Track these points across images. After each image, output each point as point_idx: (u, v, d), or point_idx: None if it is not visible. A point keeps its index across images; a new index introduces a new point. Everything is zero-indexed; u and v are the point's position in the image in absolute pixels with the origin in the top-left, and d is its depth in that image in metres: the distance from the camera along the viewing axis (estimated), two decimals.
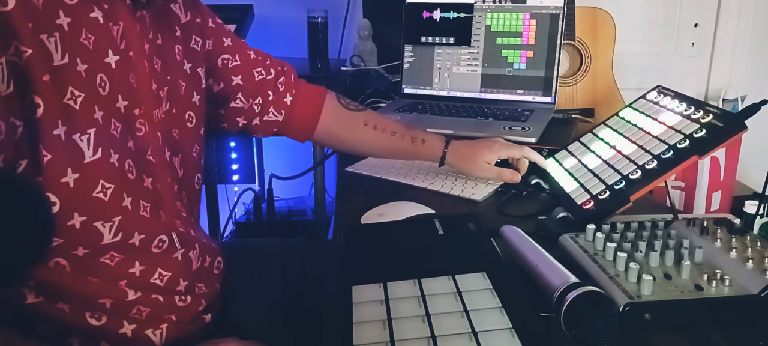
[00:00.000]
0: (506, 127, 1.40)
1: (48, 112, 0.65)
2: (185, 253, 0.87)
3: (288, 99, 1.16)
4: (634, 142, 1.05)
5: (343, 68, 2.15)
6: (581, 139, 1.20)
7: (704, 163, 0.97)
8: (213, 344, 0.86)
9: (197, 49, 0.98)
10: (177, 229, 0.85)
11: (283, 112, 1.16)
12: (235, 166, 2.47)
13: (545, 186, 1.16)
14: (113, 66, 0.74)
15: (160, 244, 0.82)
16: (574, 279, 0.70)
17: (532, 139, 1.33)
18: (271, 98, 1.14)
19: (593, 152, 1.12)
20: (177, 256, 0.85)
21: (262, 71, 1.12)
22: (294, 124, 1.18)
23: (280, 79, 1.15)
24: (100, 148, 0.71)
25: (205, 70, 1.00)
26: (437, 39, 1.72)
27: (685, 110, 1.02)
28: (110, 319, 0.78)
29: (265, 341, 0.91)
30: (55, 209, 0.67)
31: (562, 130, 1.46)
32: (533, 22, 1.61)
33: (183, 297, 0.86)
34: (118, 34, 0.76)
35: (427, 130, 1.33)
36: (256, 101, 1.12)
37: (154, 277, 0.81)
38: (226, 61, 1.06)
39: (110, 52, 0.74)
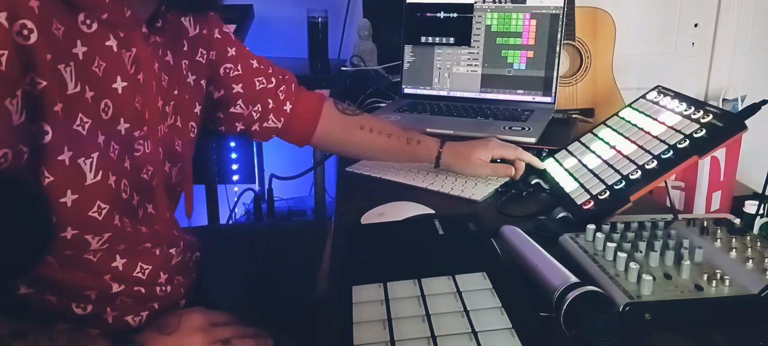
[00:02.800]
0: (506, 128, 1.39)
1: (56, 138, 0.66)
2: (166, 250, 0.90)
3: (288, 107, 1.17)
4: (634, 143, 1.05)
5: (343, 68, 2.15)
6: (581, 139, 1.20)
7: (704, 163, 0.97)
8: (179, 314, 0.89)
9: (202, 61, 0.99)
10: (159, 234, 0.88)
11: (282, 119, 1.17)
12: (235, 167, 2.47)
13: (545, 186, 1.16)
14: (120, 91, 0.76)
15: (143, 249, 0.85)
16: (574, 279, 0.70)
17: (532, 140, 1.33)
18: (270, 106, 1.15)
19: (593, 152, 1.12)
20: (156, 251, 0.88)
21: (264, 80, 1.13)
22: (293, 131, 1.20)
23: (281, 88, 1.17)
24: (100, 171, 0.72)
25: (207, 78, 1.02)
26: (437, 39, 1.72)
27: (685, 110, 1.02)
28: (95, 308, 0.81)
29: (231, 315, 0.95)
30: None
31: (562, 131, 1.46)
32: (533, 22, 1.61)
33: (164, 288, 0.90)
34: (130, 60, 0.78)
35: (427, 130, 1.33)
36: (256, 108, 1.13)
37: (136, 271, 0.84)
38: (228, 70, 1.07)
39: (119, 78, 0.76)
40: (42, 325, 0.73)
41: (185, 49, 0.94)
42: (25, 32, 0.61)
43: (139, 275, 0.85)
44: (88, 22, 0.71)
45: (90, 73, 0.71)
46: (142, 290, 0.85)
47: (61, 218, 0.69)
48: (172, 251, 0.92)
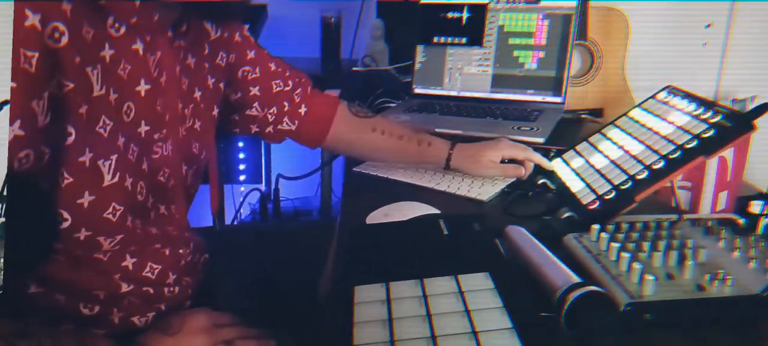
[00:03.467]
0: (515, 128, 1.39)
1: (78, 140, 0.67)
2: (176, 250, 0.90)
3: (303, 110, 1.18)
4: (642, 142, 1.05)
5: (354, 69, 2.16)
6: (590, 139, 1.20)
7: (712, 162, 0.97)
8: (183, 314, 0.90)
9: (222, 64, 1.00)
10: (170, 235, 0.89)
11: (296, 122, 1.18)
12: (242, 167, 2.48)
13: (552, 186, 1.16)
14: (142, 94, 0.77)
15: (153, 249, 0.86)
16: (576, 279, 0.70)
17: (541, 140, 1.33)
18: (286, 109, 1.16)
19: (601, 152, 1.12)
20: (166, 252, 0.88)
21: (281, 83, 1.14)
22: (306, 133, 1.21)
23: (297, 91, 1.17)
24: (118, 173, 0.73)
25: (225, 80, 1.03)
26: (450, 39, 1.72)
27: (695, 110, 1.02)
28: (102, 308, 0.81)
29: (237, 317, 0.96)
30: (65, 224, 0.69)
31: (571, 131, 1.46)
32: (546, 22, 1.61)
33: (171, 289, 0.90)
34: (154, 63, 0.79)
35: (436, 130, 1.34)
36: (271, 111, 1.14)
37: (145, 271, 0.85)
38: (246, 73, 1.07)
39: (143, 81, 0.77)
40: (47, 325, 0.74)
41: (206, 52, 0.95)
42: (56, 35, 0.62)
43: (149, 275, 0.85)
44: (116, 25, 0.72)
45: (115, 76, 0.72)
46: (151, 291, 0.86)
47: (77, 219, 0.70)
48: (182, 251, 0.92)
